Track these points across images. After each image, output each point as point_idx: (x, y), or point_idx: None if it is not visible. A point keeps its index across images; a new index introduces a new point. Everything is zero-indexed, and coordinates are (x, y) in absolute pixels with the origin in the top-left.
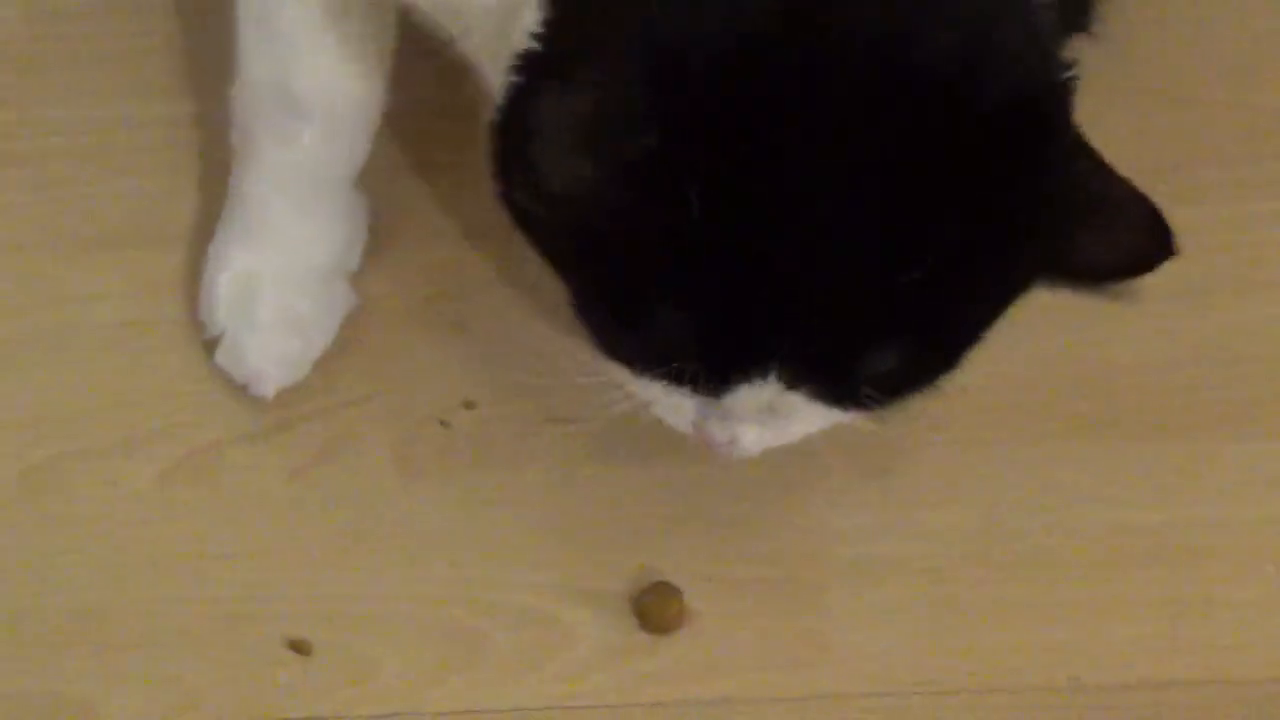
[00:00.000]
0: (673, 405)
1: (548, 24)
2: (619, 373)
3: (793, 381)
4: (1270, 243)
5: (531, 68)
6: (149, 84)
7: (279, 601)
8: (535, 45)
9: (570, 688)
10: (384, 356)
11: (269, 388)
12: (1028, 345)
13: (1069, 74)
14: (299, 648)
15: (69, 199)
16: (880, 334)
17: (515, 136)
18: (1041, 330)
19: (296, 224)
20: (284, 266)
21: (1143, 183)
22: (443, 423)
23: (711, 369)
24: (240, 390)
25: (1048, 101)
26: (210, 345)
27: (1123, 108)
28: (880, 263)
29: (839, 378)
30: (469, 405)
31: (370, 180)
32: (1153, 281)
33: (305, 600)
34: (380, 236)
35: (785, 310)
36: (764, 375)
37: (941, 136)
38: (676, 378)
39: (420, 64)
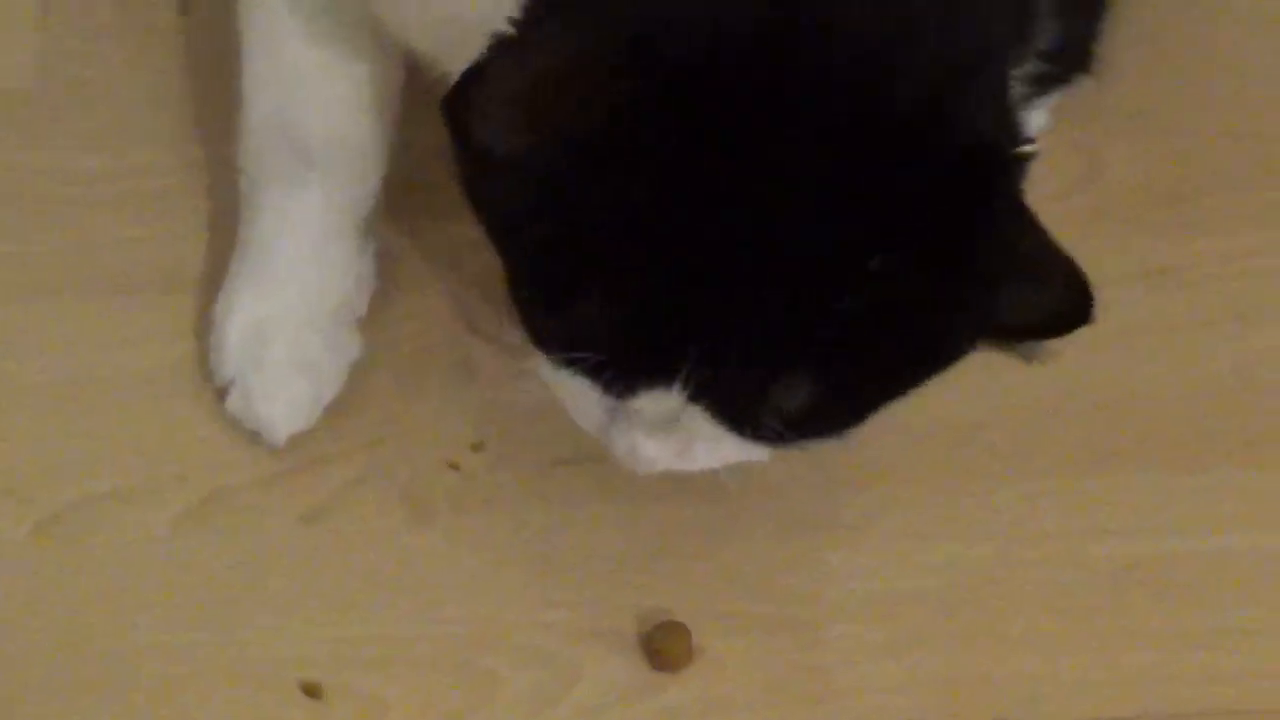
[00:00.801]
0: (583, 402)
1: (525, 9)
2: (539, 361)
3: (697, 395)
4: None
5: (499, 46)
6: (160, 130)
7: (291, 644)
8: (509, 29)
9: None
10: (392, 401)
11: (280, 435)
12: (1038, 377)
13: (1025, 144)
14: (311, 691)
15: (80, 246)
16: (793, 364)
17: (469, 99)
18: (1052, 362)
19: (305, 270)
20: (293, 313)
21: (1148, 214)
22: (452, 465)
23: (617, 366)
24: (252, 436)
25: (998, 163)
26: (222, 391)
27: (1126, 139)
28: (806, 290)
29: (745, 401)
30: (477, 447)
31: (375, 224)
32: (1163, 312)
33: (317, 643)
34: (386, 280)
35: (701, 320)
36: (669, 383)
37: (891, 177)
38: (586, 371)
39: (425, 107)
